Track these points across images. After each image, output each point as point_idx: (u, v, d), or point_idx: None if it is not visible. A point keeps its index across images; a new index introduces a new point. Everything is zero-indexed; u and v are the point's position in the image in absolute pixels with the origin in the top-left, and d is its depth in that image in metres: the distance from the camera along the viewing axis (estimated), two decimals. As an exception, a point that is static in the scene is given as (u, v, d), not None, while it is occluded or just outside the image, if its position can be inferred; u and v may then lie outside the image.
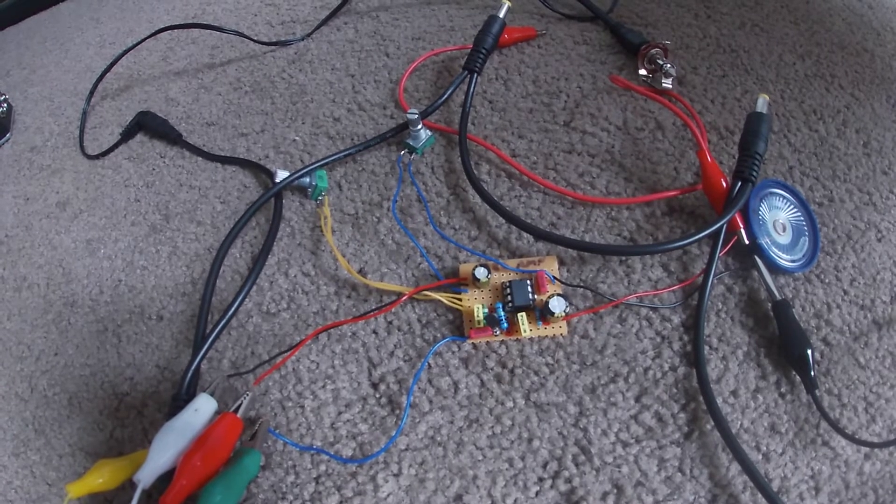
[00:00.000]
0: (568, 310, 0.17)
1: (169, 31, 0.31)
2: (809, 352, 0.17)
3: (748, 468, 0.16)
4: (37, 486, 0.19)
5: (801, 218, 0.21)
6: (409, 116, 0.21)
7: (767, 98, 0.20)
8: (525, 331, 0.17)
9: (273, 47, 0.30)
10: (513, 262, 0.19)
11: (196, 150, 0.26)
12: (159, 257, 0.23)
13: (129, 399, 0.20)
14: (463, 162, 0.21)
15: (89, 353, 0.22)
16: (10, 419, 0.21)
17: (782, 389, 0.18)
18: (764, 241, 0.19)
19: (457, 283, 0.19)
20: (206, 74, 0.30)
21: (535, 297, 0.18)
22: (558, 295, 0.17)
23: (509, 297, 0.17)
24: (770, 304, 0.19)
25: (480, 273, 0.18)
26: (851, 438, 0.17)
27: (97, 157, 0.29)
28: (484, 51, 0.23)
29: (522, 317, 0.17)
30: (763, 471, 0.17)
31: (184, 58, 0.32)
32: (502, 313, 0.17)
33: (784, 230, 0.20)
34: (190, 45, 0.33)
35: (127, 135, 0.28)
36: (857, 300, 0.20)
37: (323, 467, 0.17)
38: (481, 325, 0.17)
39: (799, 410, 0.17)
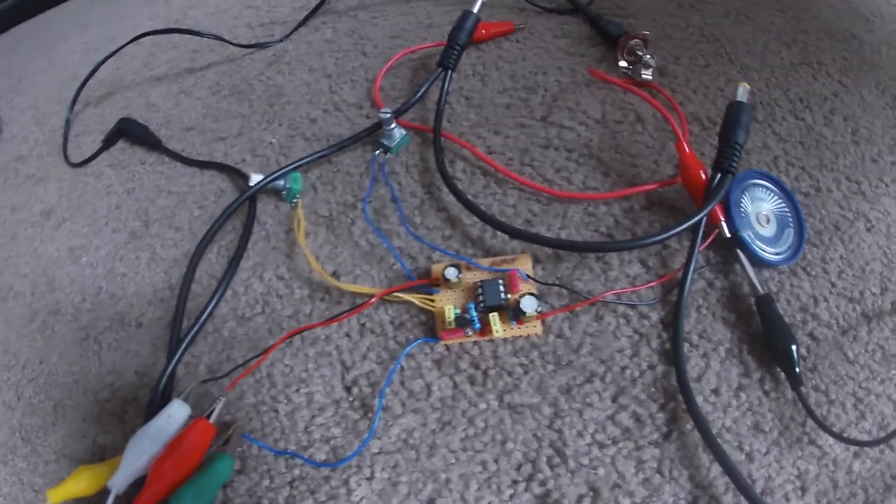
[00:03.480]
0: (540, 309, 0.17)
1: (151, 37, 0.31)
2: (794, 347, 0.17)
3: (729, 469, 0.15)
4: (24, 493, 0.19)
5: (786, 209, 0.20)
6: (381, 115, 0.21)
7: (748, 87, 0.20)
8: (498, 331, 0.17)
9: (251, 50, 0.30)
10: (486, 262, 0.19)
11: (175, 156, 0.26)
12: (139, 264, 0.23)
13: (110, 406, 0.20)
14: (437, 160, 0.21)
15: (72, 361, 0.22)
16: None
17: (766, 387, 0.17)
18: (746, 234, 0.19)
19: (429, 283, 0.18)
20: (186, 79, 0.30)
21: (508, 296, 0.17)
22: (530, 294, 0.17)
23: (481, 297, 0.17)
24: (753, 299, 0.18)
25: (450, 273, 0.18)
26: (839, 437, 0.16)
27: (80, 164, 0.29)
28: (458, 46, 0.22)
29: (495, 317, 0.17)
30: (746, 471, 0.16)
31: (165, 63, 0.32)
32: (475, 313, 0.17)
33: (768, 222, 0.20)
34: (171, 50, 0.33)
35: (108, 142, 0.28)
36: (846, 292, 0.19)
37: (297, 471, 0.17)
38: (453, 326, 0.17)
39: (784, 408, 0.17)
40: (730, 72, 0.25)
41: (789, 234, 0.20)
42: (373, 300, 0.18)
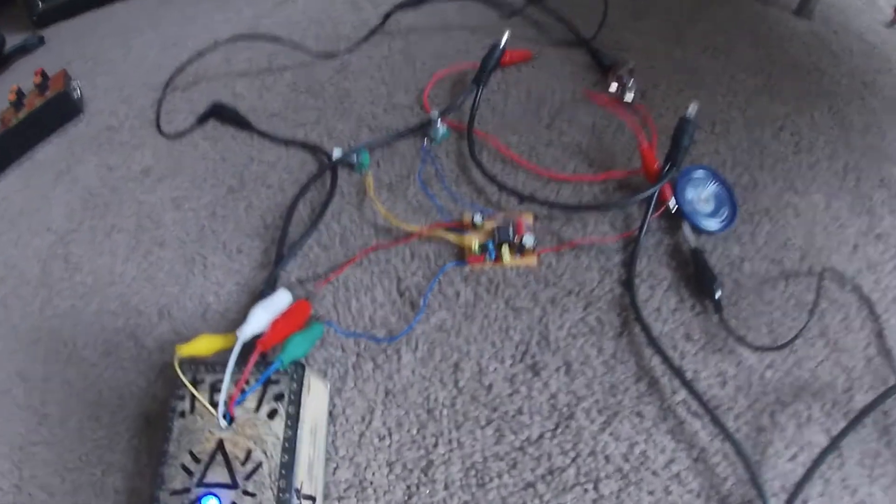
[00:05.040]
0: (537, 244, 0.34)
1: (227, 38, 0.52)
2: (715, 284, 0.33)
3: (665, 356, 0.31)
4: (138, 378, 0.35)
5: (722, 194, 0.37)
6: (432, 115, 0.40)
7: (697, 105, 0.38)
8: (507, 259, 0.34)
9: (321, 58, 0.50)
10: (501, 214, 0.36)
11: (263, 134, 0.45)
12: (238, 209, 0.41)
13: (214, 306, 0.37)
14: (470, 149, 0.39)
15: (178, 275, 0.39)
16: (102, 329, 0.37)
17: (696, 311, 0.33)
18: (688, 208, 0.36)
19: (460, 226, 0.36)
20: (266, 77, 0.50)
21: (515, 237, 0.34)
22: (529, 233, 0.34)
23: (497, 236, 0.34)
24: (690, 252, 0.34)
25: (477, 218, 0.35)
26: (749, 345, 0.31)
27: (174, 137, 0.48)
28: (487, 69, 0.42)
29: (505, 249, 0.34)
30: (678, 365, 0.31)
31: (244, 61, 0.52)
32: (491, 247, 0.34)
33: (707, 202, 0.37)
34: (248, 51, 0.53)
35: (202, 119, 0.48)
36: (768, 256, 0.36)
37: (362, 345, 0.33)
38: (476, 253, 0.34)
39: (710, 327, 0.33)
40: (698, 96, 0.43)
41: (724, 212, 0.37)
42: (424, 230, 0.35)
